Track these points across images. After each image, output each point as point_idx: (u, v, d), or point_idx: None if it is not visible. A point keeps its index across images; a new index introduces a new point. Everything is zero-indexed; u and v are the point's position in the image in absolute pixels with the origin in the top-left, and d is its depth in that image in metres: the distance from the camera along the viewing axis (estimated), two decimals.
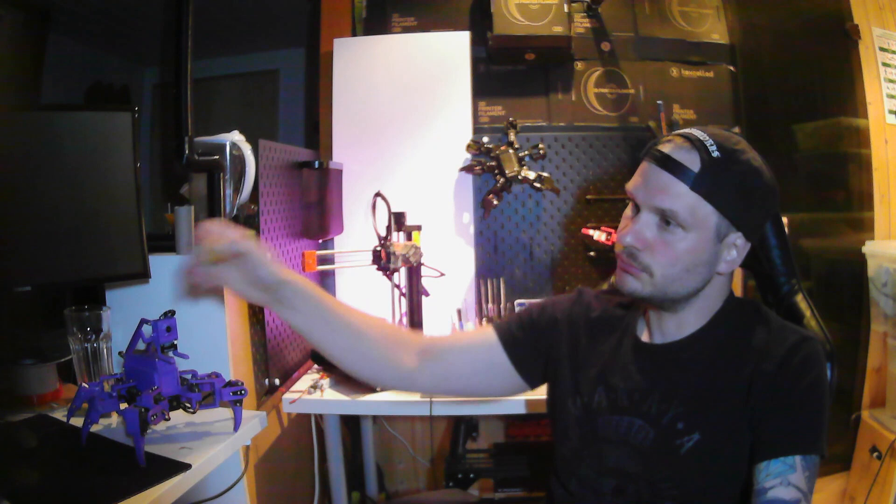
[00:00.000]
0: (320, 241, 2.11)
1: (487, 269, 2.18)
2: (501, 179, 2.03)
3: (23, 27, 2.12)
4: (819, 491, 1.06)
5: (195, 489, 1.04)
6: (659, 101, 2.19)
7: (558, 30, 2.04)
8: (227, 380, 1.16)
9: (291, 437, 1.88)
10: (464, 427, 2.19)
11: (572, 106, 2.23)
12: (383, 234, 1.80)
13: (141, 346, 1.13)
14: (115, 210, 1.29)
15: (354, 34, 2.27)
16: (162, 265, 1.39)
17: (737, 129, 2.11)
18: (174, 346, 1.12)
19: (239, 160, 1.67)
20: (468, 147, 2.08)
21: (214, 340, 1.43)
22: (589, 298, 1.10)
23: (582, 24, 2.24)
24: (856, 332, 2.06)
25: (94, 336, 1.22)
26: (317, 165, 1.92)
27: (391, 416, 2.25)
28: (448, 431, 2.27)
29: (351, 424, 2.20)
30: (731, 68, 2.25)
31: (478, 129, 2.18)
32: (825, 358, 0.89)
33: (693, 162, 0.86)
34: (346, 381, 1.68)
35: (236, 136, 1.69)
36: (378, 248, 1.78)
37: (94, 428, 1.11)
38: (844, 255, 2.11)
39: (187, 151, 1.46)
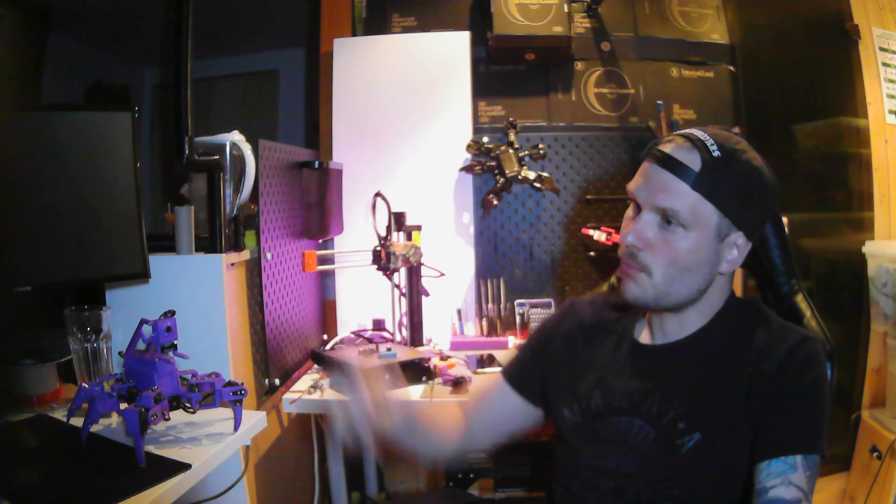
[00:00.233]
0: (320, 241, 2.11)
1: (487, 269, 2.18)
2: (501, 179, 2.03)
3: (23, 27, 2.11)
4: (819, 491, 1.06)
5: (195, 489, 1.04)
6: (659, 101, 2.19)
7: (558, 30, 2.04)
8: (227, 380, 1.16)
9: (291, 437, 1.88)
10: None
11: (572, 106, 2.23)
12: (383, 234, 1.80)
13: (141, 346, 1.13)
14: (115, 210, 1.30)
15: (354, 34, 2.27)
16: (162, 265, 1.40)
17: (737, 129, 2.11)
18: (174, 346, 1.12)
19: (239, 160, 1.67)
20: (468, 147, 2.08)
21: (214, 340, 1.44)
22: (581, 307, 1.11)
23: (582, 24, 2.24)
24: (856, 332, 2.07)
25: (94, 336, 1.22)
26: (317, 165, 1.93)
27: None
28: None
29: None
30: (731, 68, 2.26)
31: (478, 129, 2.18)
32: (825, 358, 0.89)
33: (694, 161, 0.86)
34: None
35: (236, 136, 1.68)
36: (378, 248, 1.78)
37: (94, 428, 1.10)
38: (844, 255, 2.12)
39: (187, 151, 1.46)
